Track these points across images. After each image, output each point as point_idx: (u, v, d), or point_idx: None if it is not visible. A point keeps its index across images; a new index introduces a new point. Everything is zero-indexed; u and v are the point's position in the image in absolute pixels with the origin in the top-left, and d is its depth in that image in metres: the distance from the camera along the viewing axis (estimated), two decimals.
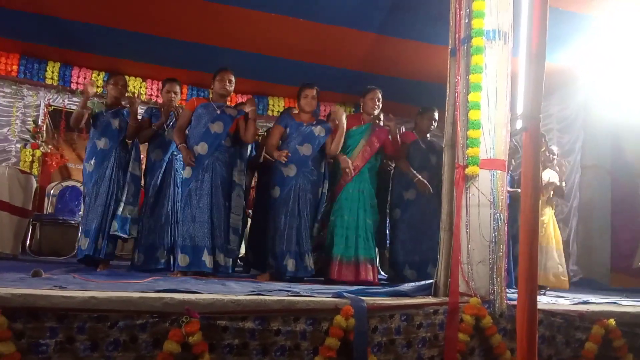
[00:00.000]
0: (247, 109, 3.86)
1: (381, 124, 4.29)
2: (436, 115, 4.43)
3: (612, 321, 2.90)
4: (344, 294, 2.57)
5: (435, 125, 4.43)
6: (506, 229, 2.82)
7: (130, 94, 4.08)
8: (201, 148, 3.73)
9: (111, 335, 2.08)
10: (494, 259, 2.74)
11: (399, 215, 4.32)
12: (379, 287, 3.05)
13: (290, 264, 3.70)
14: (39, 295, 2.06)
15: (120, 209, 3.87)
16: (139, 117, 4.10)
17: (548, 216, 4.84)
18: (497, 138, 2.84)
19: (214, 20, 5.29)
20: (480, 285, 2.76)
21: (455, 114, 2.94)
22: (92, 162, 3.89)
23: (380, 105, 4.18)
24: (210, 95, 4.11)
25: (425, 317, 2.61)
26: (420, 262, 4.14)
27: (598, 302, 3.41)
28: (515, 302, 2.80)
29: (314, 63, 5.97)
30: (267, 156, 4.20)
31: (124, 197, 3.89)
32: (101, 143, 3.92)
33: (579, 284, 5.87)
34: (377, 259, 4.06)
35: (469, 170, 2.79)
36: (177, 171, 4.06)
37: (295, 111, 4.20)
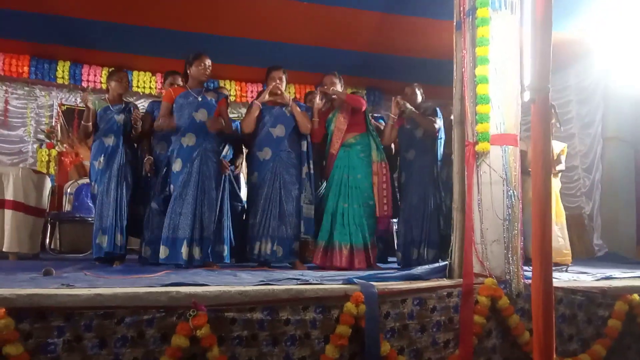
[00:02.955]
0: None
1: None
2: (418, 90, 4.27)
3: (636, 296, 2.79)
4: (354, 280, 2.52)
5: (421, 99, 4.27)
6: (520, 205, 2.72)
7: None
8: (189, 139, 3.67)
9: (118, 332, 2.07)
10: (509, 238, 2.66)
11: (404, 179, 4.19)
12: (391, 271, 2.98)
13: (266, 249, 3.69)
14: (45, 295, 2.05)
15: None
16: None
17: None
18: (507, 112, 2.73)
19: (220, 9, 5.24)
20: (496, 265, 2.68)
21: (463, 89, 2.84)
22: (101, 159, 3.88)
23: (338, 87, 4.06)
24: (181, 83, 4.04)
25: (439, 300, 2.54)
26: (420, 241, 4.02)
27: (621, 277, 3.29)
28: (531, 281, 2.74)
29: (320, 46, 5.87)
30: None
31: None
32: (109, 140, 3.91)
33: (604, 259, 5.74)
34: (368, 245, 3.89)
35: (480, 147, 2.69)
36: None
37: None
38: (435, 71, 5.28)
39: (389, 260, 4.65)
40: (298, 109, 3.90)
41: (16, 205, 4.39)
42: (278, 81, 3.88)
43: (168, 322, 2.13)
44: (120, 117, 3.95)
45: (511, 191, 2.66)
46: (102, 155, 3.88)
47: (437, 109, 4.13)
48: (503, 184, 2.68)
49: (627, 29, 5.36)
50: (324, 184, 4.11)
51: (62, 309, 2.04)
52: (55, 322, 2.02)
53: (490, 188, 2.69)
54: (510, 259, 2.63)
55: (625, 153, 6.11)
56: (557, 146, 4.67)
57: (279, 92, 3.85)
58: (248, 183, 4.03)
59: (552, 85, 2.78)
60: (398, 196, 4.31)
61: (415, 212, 4.00)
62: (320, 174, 4.15)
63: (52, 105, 6.99)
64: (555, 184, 5.08)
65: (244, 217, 4.19)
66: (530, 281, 2.68)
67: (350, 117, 3.99)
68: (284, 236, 3.71)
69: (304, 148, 3.93)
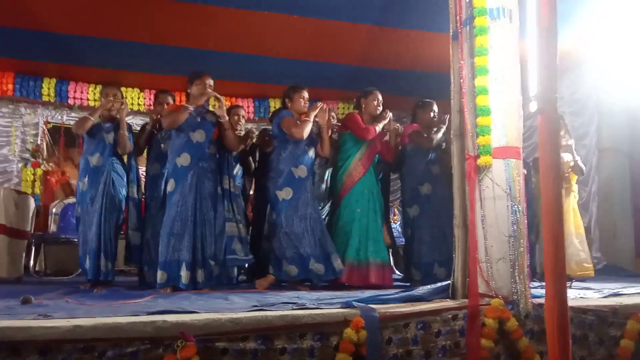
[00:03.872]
0: (219, 112, 3.65)
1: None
2: (436, 108, 4.25)
3: None
4: (354, 303, 2.37)
5: (437, 118, 4.23)
6: (526, 221, 2.60)
7: (118, 100, 3.85)
8: (184, 159, 3.53)
9: None
10: (515, 255, 2.53)
11: (418, 212, 4.11)
12: (390, 292, 2.83)
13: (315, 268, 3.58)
14: (18, 328, 1.89)
15: (129, 236, 3.82)
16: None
17: (567, 200, 4.67)
18: (509, 124, 2.62)
19: (209, 24, 5.14)
20: (502, 284, 2.54)
21: (462, 101, 2.72)
22: (85, 180, 3.74)
23: (381, 107, 4.06)
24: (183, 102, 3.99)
25: (444, 323, 2.40)
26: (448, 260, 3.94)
27: (630, 294, 3.16)
28: (540, 301, 2.61)
29: (311, 60, 5.80)
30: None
31: (130, 224, 3.83)
32: (94, 159, 3.76)
33: (603, 272, 5.62)
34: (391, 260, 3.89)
35: (481, 160, 2.58)
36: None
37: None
38: (428, 84, 5.22)
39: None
40: (327, 137, 3.87)
41: None
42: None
43: (154, 355, 1.96)
44: (110, 136, 3.80)
45: (516, 206, 2.54)
46: (87, 175, 3.74)
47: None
48: (507, 199, 2.56)
49: (619, 39, 5.33)
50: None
51: (38, 342, 1.87)
52: (30, 357, 1.85)
53: (494, 203, 2.57)
54: (517, 277, 2.50)
55: (621, 164, 6.05)
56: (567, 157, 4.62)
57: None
58: (273, 198, 3.76)
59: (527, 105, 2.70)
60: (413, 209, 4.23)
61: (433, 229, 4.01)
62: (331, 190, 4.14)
63: (37, 123, 6.83)
64: (572, 196, 4.96)
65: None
66: (538, 301, 2.58)
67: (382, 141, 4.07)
68: (323, 255, 3.60)
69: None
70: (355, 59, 5.81)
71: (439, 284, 2.82)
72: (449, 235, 3.85)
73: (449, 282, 2.75)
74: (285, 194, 3.66)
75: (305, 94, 3.84)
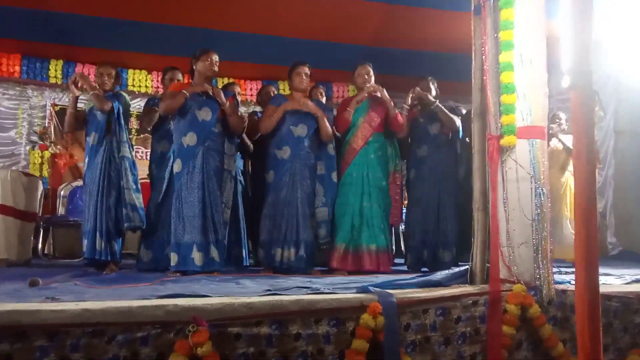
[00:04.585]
0: (219, 99, 3.52)
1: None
2: (432, 85, 4.05)
3: None
4: (370, 288, 2.29)
5: (435, 94, 4.03)
6: (549, 204, 2.50)
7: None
8: (190, 139, 3.44)
9: (110, 351, 1.84)
10: (538, 239, 2.43)
11: (414, 176, 3.99)
12: (407, 277, 2.75)
13: (279, 254, 3.49)
14: (25, 311, 1.82)
15: (124, 196, 3.59)
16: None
17: (564, 183, 4.67)
18: (534, 102, 2.50)
19: (218, 3, 5.03)
20: (524, 269, 2.46)
21: (484, 79, 2.60)
22: (86, 160, 3.67)
23: (372, 80, 3.84)
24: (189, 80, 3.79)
25: (464, 309, 2.31)
26: (435, 243, 3.83)
27: None
28: (564, 287, 2.52)
29: (322, 41, 5.64)
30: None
31: (125, 184, 3.61)
32: (91, 139, 3.67)
33: (619, 257, 5.53)
34: (390, 247, 3.73)
35: (505, 140, 2.47)
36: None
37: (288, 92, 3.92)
38: (444, 65, 5.08)
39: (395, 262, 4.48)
40: (325, 121, 3.69)
41: (4, 210, 4.14)
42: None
43: (165, 340, 1.90)
44: (101, 114, 3.67)
45: (540, 189, 2.43)
46: (87, 156, 3.67)
47: (456, 107, 3.94)
48: (531, 181, 2.45)
49: (638, 21, 5.16)
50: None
51: (46, 326, 1.81)
52: (38, 341, 1.79)
53: (517, 185, 2.47)
54: (540, 262, 2.41)
55: (638, 146, 5.89)
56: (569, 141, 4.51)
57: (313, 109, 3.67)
58: (259, 183, 3.81)
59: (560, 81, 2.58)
60: (405, 194, 4.11)
61: (428, 212, 3.78)
62: None
63: (44, 106, 6.75)
64: (569, 176, 4.89)
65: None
66: (561, 287, 2.49)
67: (381, 117, 3.80)
68: (307, 240, 3.52)
69: (333, 152, 3.78)
70: (366, 39, 5.65)
71: (457, 269, 2.73)
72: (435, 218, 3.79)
73: (467, 267, 2.66)
74: (269, 177, 3.64)
75: (302, 70, 3.70)
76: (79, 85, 3.65)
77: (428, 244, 3.80)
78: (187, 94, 3.43)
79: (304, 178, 3.59)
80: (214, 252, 3.35)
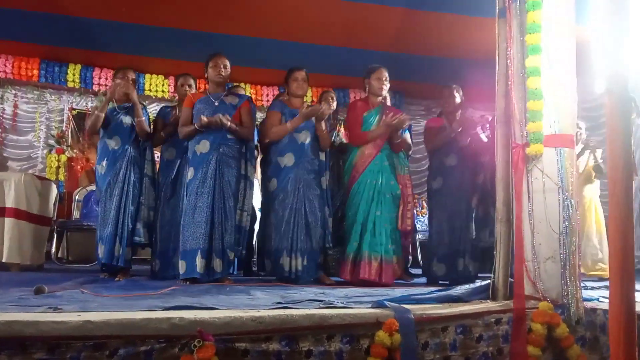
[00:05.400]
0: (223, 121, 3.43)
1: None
2: (457, 92, 3.94)
3: None
4: (386, 303, 2.17)
5: (460, 102, 3.94)
6: (578, 217, 2.35)
7: (122, 84, 3.69)
8: (202, 146, 3.39)
9: None
10: (566, 254, 2.28)
11: (441, 185, 3.84)
12: (425, 291, 2.62)
13: (287, 263, 3.40)
14: (26, 322, 1.73)
15: (142, 213, 3.65)
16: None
17: (588, 197, 4.55)
18: (562, 109, 2.37)
19: (236, 8, 5.00)
20: (550, 286, 2.31)
21: (509, 84, 2.48)
22: (104, 163, 3.63)
23: (388, 85, 3.74)
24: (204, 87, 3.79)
25: (486, 327, 2.18)
26: (451, 254, 3.71)
27: None
28: (593, 305, 2.37)
29: (339, 47, 5.58)
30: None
31: (145, 201, 3.68)
32: (112, 143, 3.65)
33: None
34: (397, 258, 3.57)
35: (531, 149, 2.33)
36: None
37: (286, 97, 3.78)
38: (462, 71, 4.96)
39: (410, 272, 4.36)
40: (323, 125, 3.63)
41: (18, 214, 4.12)
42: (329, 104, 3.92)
43: (169, 355, 1.80)
44: (127, 119, 3.68)
45: (568, 200, 2.29)
46: (106, 159, 3.63)
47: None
48: (558, 192, 2.31)
49: None
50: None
51: (46, 338, 1.73)
52: (37, 354, 1.71)
53: (544, 197, 2.33)
54: (568, 279, 2.26)
55: None
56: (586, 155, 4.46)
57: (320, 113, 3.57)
58: (264, 190, 3.72)
59: (583, 88, 2.44)
60: (428, 203, 4.00)
61: (454, 222, 3.68)
62: (338, 179, 3.89)
63: (62, 110, 6.81)
64: (594, 190, 4.76)
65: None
66: (590, 304, 2.34)
67: None
68: (313, 250, 3.45)
69: (323, 158, 3.71)
70: (386, 45, 5.56)
71: (478, 284, 2.59)
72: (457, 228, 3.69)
73: (489, 282, 2.52)
74: (272, 184, 3.57)
75: (299, 76, 3.64)
76: (123, 92, 3.66)
77: (449, 256, 3.69)
78: (196, 127, 3.41)
79: (309, 185, 3.52)
80: (216, 262, 3.28)
